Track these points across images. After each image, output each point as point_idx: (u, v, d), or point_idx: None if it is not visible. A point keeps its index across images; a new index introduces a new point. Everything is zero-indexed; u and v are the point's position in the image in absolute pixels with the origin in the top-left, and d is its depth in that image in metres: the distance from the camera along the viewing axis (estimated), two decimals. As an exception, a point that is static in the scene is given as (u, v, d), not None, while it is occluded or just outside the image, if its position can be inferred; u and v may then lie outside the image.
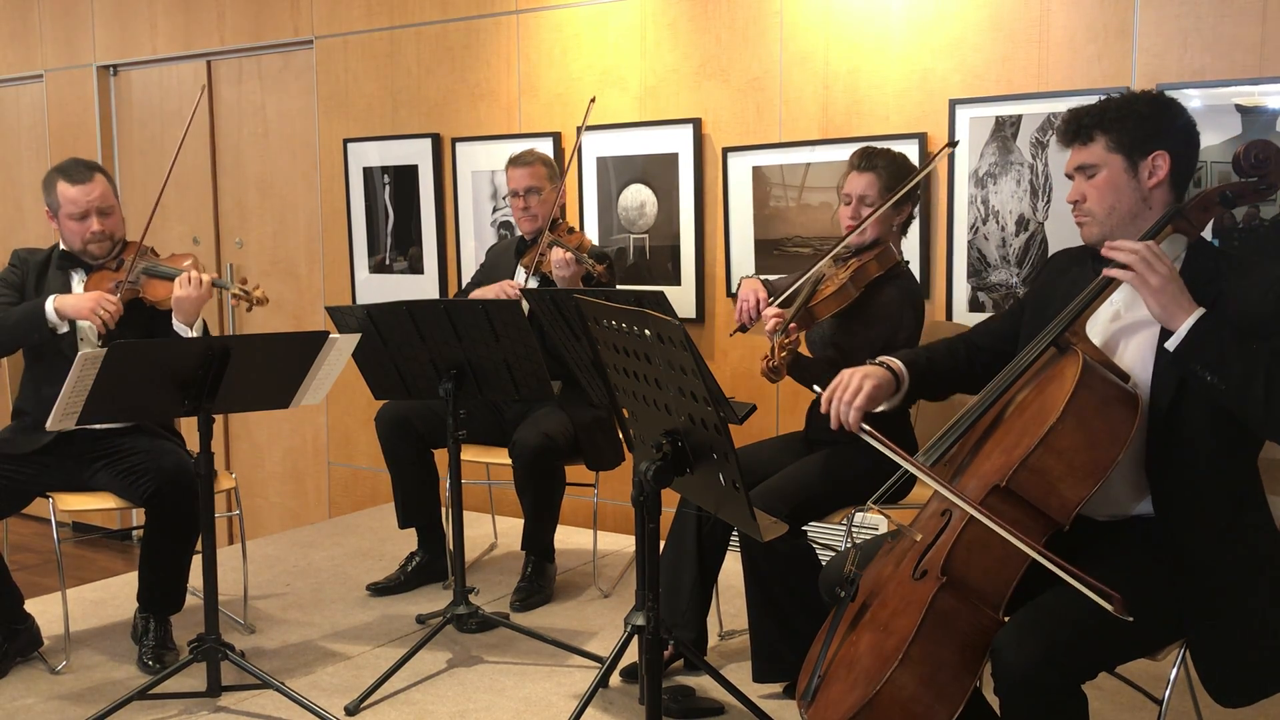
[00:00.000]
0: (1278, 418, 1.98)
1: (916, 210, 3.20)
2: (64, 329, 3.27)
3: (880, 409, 2.33)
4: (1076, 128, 2.22)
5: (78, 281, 3.43)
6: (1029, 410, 2.12)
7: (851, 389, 2.24)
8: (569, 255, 3.61)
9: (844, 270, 2.99)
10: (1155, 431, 2.11)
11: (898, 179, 3.03)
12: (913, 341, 3.00)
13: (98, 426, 3.35)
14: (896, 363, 2.37)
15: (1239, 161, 2.17)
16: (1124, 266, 2.06)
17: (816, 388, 2.33)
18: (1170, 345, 2.04)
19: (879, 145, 3.15)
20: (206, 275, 3.34)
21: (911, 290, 3.05)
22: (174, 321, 3.35)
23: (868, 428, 2.19)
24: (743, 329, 3.06)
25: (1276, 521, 2.19)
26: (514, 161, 3.94)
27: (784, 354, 2.74)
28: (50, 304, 3.23)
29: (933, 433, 2.31)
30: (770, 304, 3.01)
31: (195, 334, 3.35)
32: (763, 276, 3.31)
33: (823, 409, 2.28)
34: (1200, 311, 2.02)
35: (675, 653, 3.05)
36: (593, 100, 4.07)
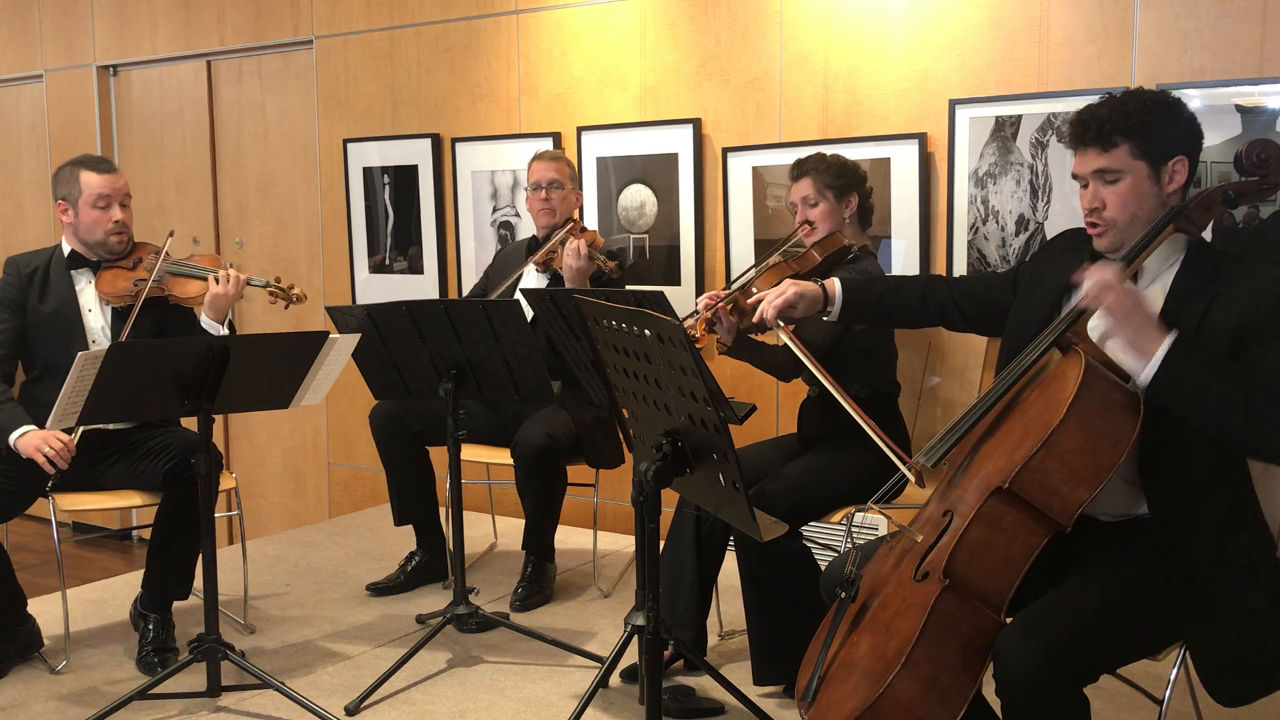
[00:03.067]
0: (1257, 437, 1.98)
1: (872, 201, 3.35)
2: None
3: (824, 317, 2.60)
4: (1097, 131, 2.16)
5: (86, 283, 3.43)
6: (1031, 411, 2.11)
7: (776, 291, 2.53)
8: (582, 248, 3.65)
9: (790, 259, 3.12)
10: (1150, 430, 2.09)
11: (833, 174, 3.20)
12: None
13: (110, 426, 3.35)
14: (832, 282, 2.59)
15: (1241, 160, 2.18)
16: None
17: (753, 335, 2.59)
18: (1143, 380, 2.04)
19: (807, 154, 3.30)
20: (242, 274, 3.41)
21: (867, 271, 3.09)
22: (203, 319, 3.40)
23: (783, 325, 2.50)
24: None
25: (1269, 520, 2.19)
26: (540, 156, 4.03)
27: (703, 326, 2.93)
28: (13, 437, 3.12)
29: (933, 432, 2.31)
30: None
31: (224, 331, 3.40)
32: None
33: (750, 303, 2.57)
34: (1169, 340, 2.01)
35: (675, 653, 3.05)
36: (582, 214, 4.41)
